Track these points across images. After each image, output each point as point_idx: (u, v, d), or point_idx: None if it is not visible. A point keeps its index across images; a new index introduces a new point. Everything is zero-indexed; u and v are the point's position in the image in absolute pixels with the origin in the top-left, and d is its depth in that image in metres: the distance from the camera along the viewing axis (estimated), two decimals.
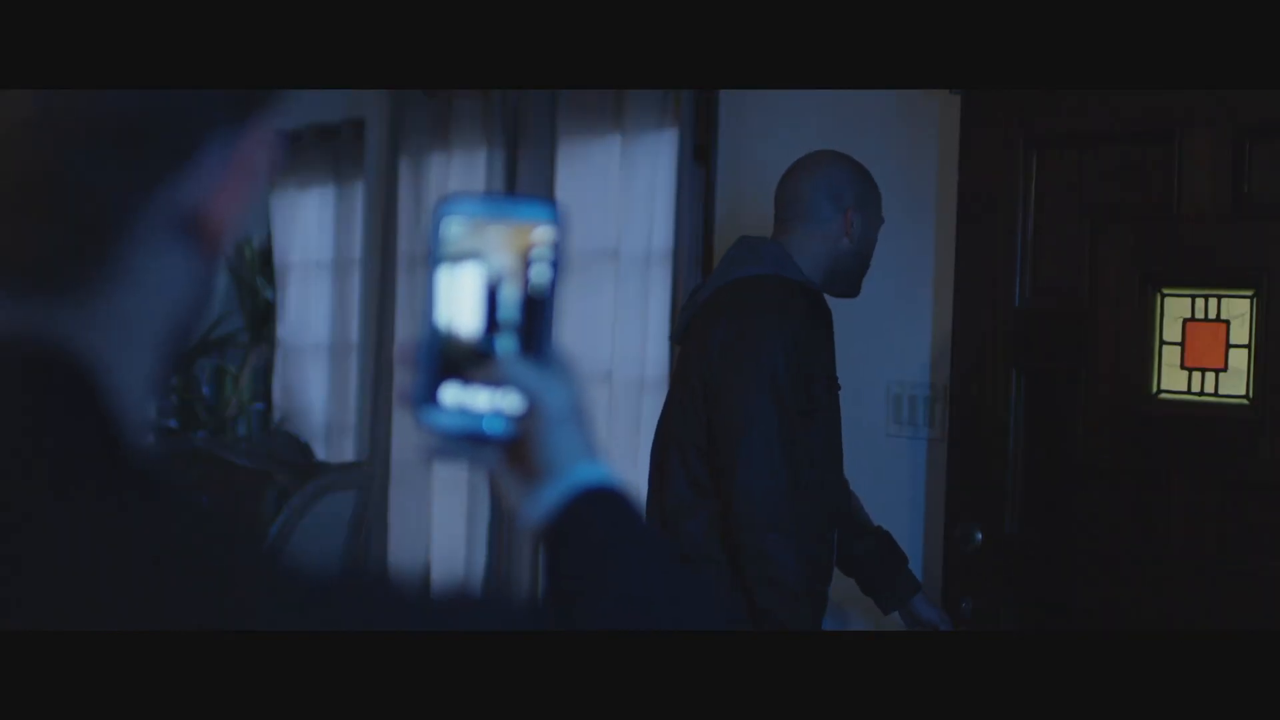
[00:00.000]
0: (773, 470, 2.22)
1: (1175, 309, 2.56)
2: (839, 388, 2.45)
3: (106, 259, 0.59)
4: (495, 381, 0.74)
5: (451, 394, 0.74)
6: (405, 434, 4.24)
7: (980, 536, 2.77)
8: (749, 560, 2.21)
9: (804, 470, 2.29)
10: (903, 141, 3.06)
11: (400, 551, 4.27)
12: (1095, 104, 2.65)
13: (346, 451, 4.61)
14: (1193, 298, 2.54)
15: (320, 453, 4.54)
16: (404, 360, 0.75)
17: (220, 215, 0.62)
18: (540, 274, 0.73)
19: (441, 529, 4.19)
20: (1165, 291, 2.57)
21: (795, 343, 2.28)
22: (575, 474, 0.75)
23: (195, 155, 0.60)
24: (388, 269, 4.34)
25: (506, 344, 0.74)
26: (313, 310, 4.81)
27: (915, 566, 2.98)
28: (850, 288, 2.49)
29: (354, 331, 4.62)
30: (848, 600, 2.98)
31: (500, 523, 3.95)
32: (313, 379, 4.81)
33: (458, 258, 0.74)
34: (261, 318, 5.13)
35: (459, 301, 0.74)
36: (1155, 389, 2.57)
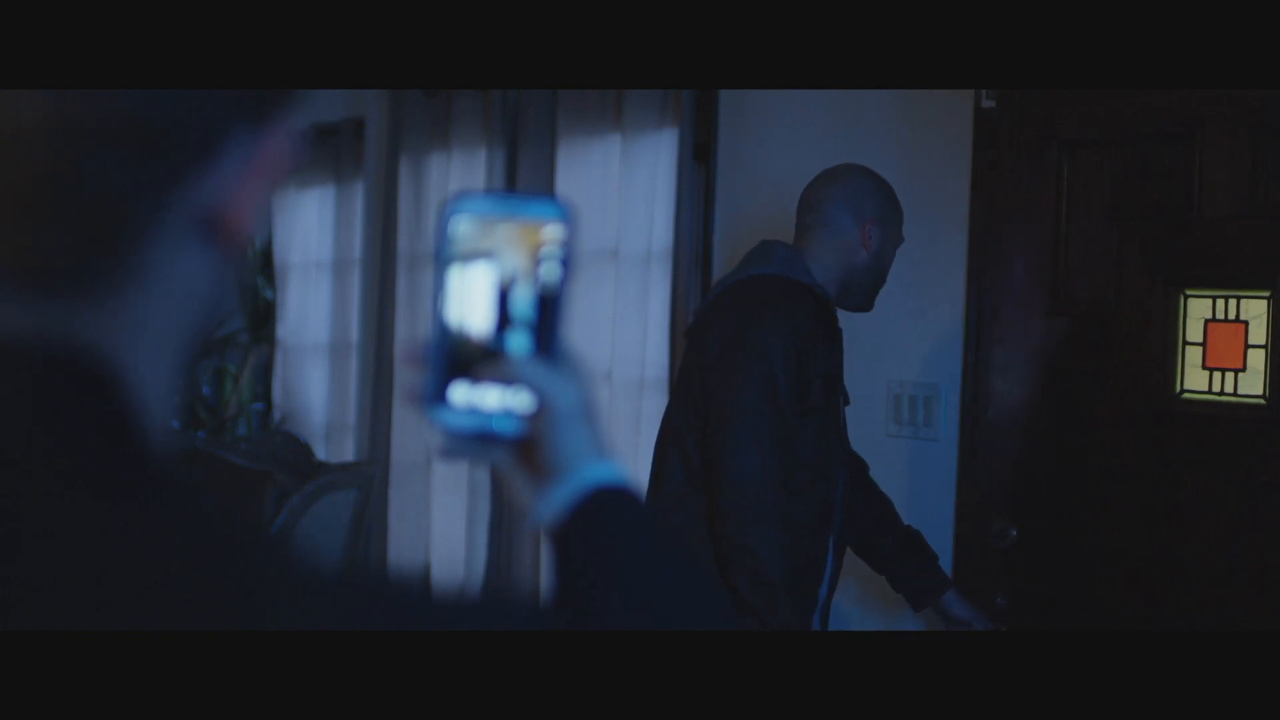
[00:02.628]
0: (762, 464, 2.22)
1: (1197, 309, 2.58)
2: (845, 399, 2.45)
3: (126, 259, 0.59)
4: (505, 380, 0.74)
5: (461, 393, 0.74)
6: (405, 434, 4.24)
7: (1015, 533, 2.80)
8: (733, 553, 2.21)
9: (797, 471, 2.29)
10: (903, 140, 3.06)
11: (400, 551, 4.27)
12: (1112, 105, 2.67)
13: (346, 451, 4.61)
14: (1213, 298, 2.56)
15: (320, 453, 4.54)
16: (412, 359, 0.75)
17: (239, 215, 0.63)
18: (550, 272, 0.73)
19: (441, 529, 4.19)
20: (1188, 292, 2.59)
21: (794, 342, 2.28)
22: (586, 473, 0.75)
23: (214, 155, 0.61)
24: (388, 269, 4.34)
25: (516, 343, 0.74)
26: (313, 310, 4.81)
27: None
28: (864, 301, 2.49)
29: (354, 331, 4.62)
30: (857, 600, 2.99)
31: (500, 523, 3.96)
32: (313, 379, 4.81)
33: (466, 256, 0.74)
34: (262, 318, 5.13)
35: (468, 300, 0.74)
36: (1178, 389, 2.59)
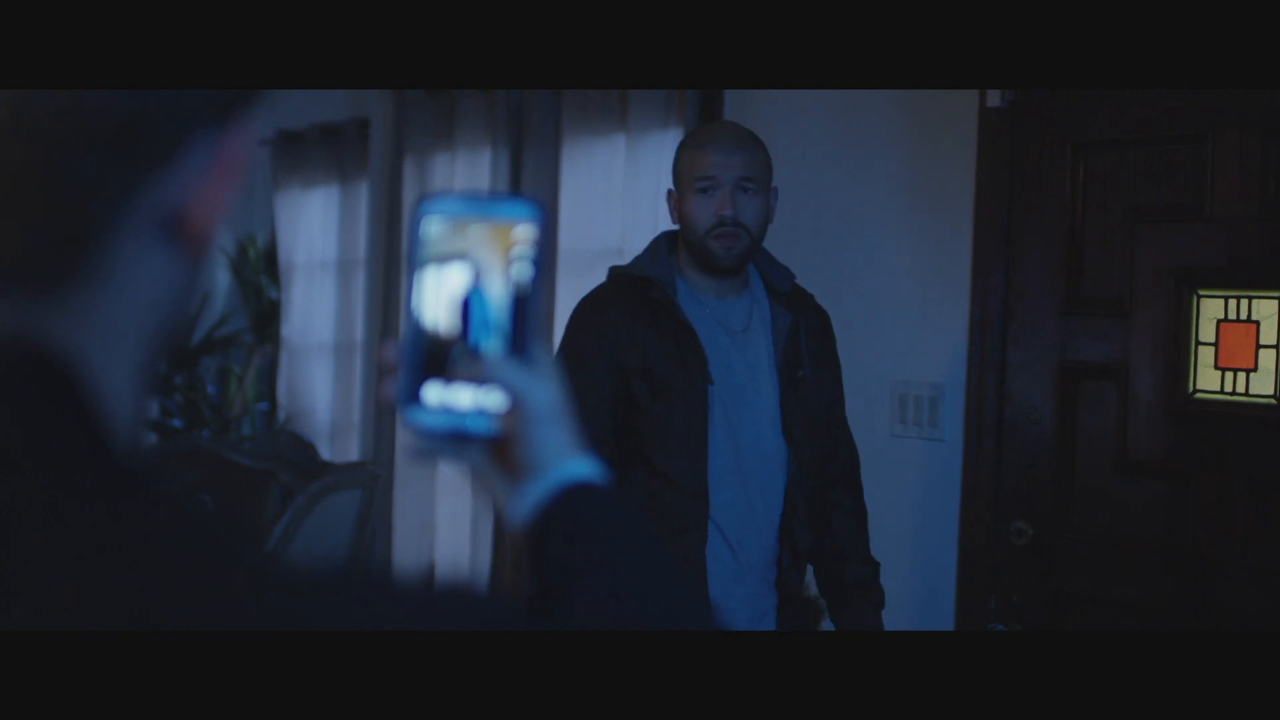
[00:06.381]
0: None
1: (1210, 310, 2.58)
2: (711, 381, 2.24)
3: (89, 258, 0.59)
4: (479, 380, 0.74)
5: (435, 393, 0.74)
6: (408, 434, 4.25)
7: (1032, 532, 2.79)
8: None
9: (653, 451, 2.21)
10: (908, 140, 3.05)
11: (405, 550, 4.27)
12: (1125, 106, 2.66)
13: (351, 451, 4.62)
14: (1225, 299, 2.56)
15: (325, 452, 4.55)
16: (387, 360, 0.75)
17: (204, 215, 0.62)
18: (521, 272, 0.74)
19: (445, 528, 4.20)
20: (1200, 293, 2.58)
21: (601, 333, 2.23)
22: (560, 470, 0.75)
23: (179, 155, 0.60)
24: (392, 269, 4.35)
25: (489, 342, 0.74)
26: (317, 310, 4.82)
27: (923, 566, 2.97)
28: (715, 262, 2.27)
29: (358, 331, 4.63)
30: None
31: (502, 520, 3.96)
32: (317, 379, 4.81)
33: (439, 257, 0.74)
34: (266, 318, 5.14)
35: (441, 300, 0.74)
36: (1191, 389, 2.59)
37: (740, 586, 2.24)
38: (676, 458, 2.21)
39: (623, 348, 2.22)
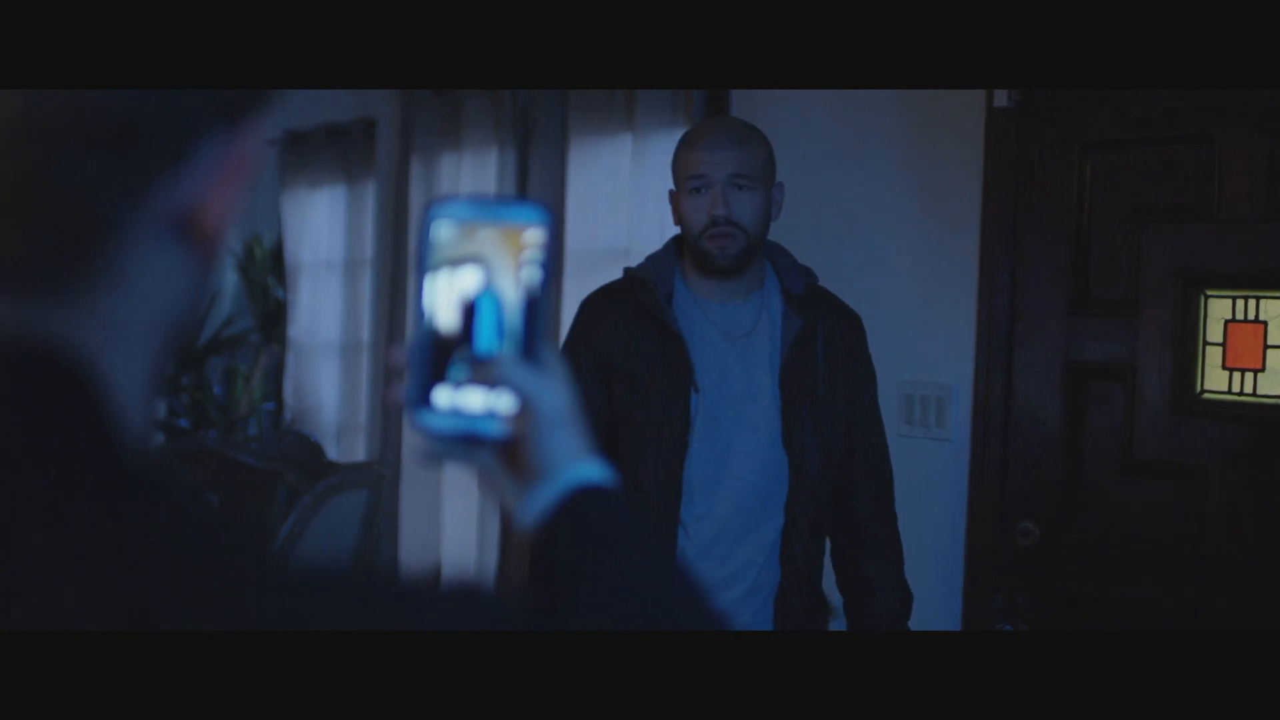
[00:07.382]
0: None
1: (1217, 310, 2.57)
2: (689, 384, 2.18)
3: (99, 259, 0.59)
4: (489, 383, 0.74)
5: (445, 396, 0.75)
6: (417, 435, 4.25)
7: (1039, 533, 2.79)
8: None
9: (630, 460, 2.17)
10: (915, 140, 3.05)
11: (411, 551, 4.27)
12: (1132, 106, 2.66)
13: (357, 451, 4.62)
14: (1233, 299, 2.55)
15: (331, 452, 4.55)
16: (397, 364, 0.75)
17: (213, 216, 0.62)
18: (531, 276, 0.74)
19: (452, 528, 4.20)
20: (1208, 293, 2.58)
21: (588, 334, 2.22)
22: (570, 473, 0.75)
23: (188, 156, 0.60)
24: (399, 269, 4.35)
25: (500, 346, 0.74)
26: (324, 310, 4.82)
27: (930, 566, 2.97)
28: (702, 268, 2.22)
29: (365, 331, 4.63)
30: None
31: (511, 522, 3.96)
32: (324, 379, 4.82)
33: (448, 261, 0.74)
34: (273, 318, 5.15)
35: (451, 304, 0.74)
36: (1199, 389, 2.58)
37: (724, 594, 2.17)
38: (650, 467, 2.15)
39: (611, 353, 2.19)
